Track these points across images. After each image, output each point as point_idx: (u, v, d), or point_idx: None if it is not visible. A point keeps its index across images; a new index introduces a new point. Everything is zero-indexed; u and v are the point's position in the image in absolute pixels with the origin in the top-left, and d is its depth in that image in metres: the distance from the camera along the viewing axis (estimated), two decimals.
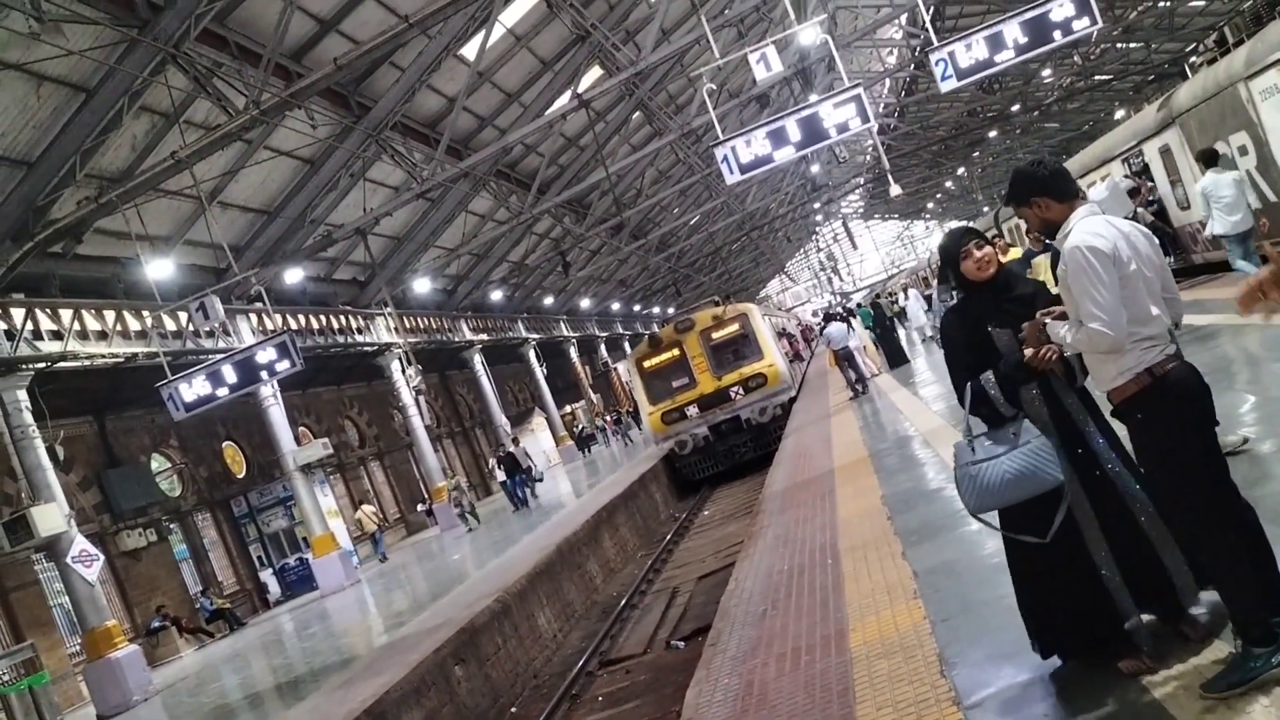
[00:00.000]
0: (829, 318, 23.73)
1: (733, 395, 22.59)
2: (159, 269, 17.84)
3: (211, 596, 22.67)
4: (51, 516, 15.30)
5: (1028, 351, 3.74)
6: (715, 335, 23.20)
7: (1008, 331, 3.84)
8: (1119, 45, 39.80)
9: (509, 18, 22.16)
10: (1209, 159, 11.80)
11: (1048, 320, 3.68)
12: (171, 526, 23.22)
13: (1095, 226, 3.49)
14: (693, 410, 22.68)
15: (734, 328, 23.23)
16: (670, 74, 29.07)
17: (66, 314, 17.07)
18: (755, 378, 22.63)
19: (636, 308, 57.50)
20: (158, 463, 23.70)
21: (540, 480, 28.74)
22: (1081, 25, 13.92)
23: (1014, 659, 4.33)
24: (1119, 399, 3.52)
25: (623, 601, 13.84)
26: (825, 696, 4.74)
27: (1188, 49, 37.36)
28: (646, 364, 23.58)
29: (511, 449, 27.37)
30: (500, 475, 26.50)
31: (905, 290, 36.29)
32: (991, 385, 3.83)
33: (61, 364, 16.64)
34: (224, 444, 25.86)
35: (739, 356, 23.08)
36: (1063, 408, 3.82)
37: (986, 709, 4.01)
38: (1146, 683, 3.60)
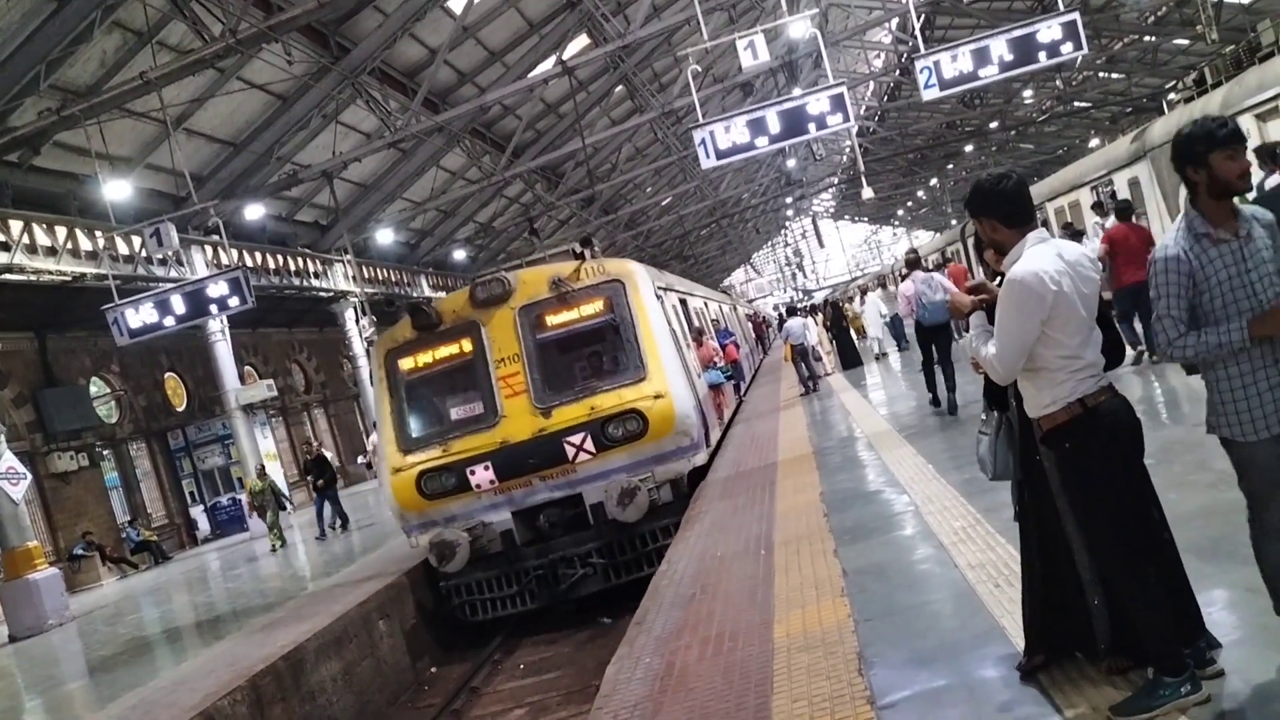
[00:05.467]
0: (790, 311, 23.75)
1: (569, 450, 10.50)
2: (116, 190, 17.43)
3: (139, 527, 22.34)
4: None
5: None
6: (551, 319, 11.10)
7: None
8: (1101, 74, 40.17)
9: None
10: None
11: (979, 311, 3.70)
12: (105, 453, 22.82)
13: (1042, 261, 3.44)
14: (483, 474, 10.55)
15: (593, 308, 11.09)
16: (657, 51, 28.89)
17: (16, 226, 16.65)
18: (622, 418, 10.53)
19: None
20: (96, 387, 23.26)
21: None
22: (1067, 49, 14.07)
23: (931, 664, 4.38)
24: (1048, 426, 3.54)
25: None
26: (744, 684, 4.76)
27: (1167, 85, 37.81)
28: (403, 363, 11.30)
29: (321, 450, 20.35)
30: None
31: (862, 294, 30.21)
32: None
33: (6, 276, 16.24)
34: (166, 375, 25.43)
35: (596, 370, 11.21)
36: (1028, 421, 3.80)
37: (899, 710, 4.05)
38: (1058, 703, 3.66)
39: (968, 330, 3.80)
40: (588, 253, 11.83)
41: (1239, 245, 3.27)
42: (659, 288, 12.19)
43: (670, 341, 11.26)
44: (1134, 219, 12.49)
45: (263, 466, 19.94)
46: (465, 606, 10.90)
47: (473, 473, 10.52)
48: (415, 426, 11.18)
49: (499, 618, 10.91)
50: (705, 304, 21.88)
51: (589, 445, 10.49)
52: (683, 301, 15.64)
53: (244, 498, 21.39)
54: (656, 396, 10.55)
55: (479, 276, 11.64)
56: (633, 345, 10.89)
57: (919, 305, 12.63)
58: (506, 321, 11.04)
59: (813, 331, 21.31)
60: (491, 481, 10.54)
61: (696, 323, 16.86)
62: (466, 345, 11.10)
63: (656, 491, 10.53)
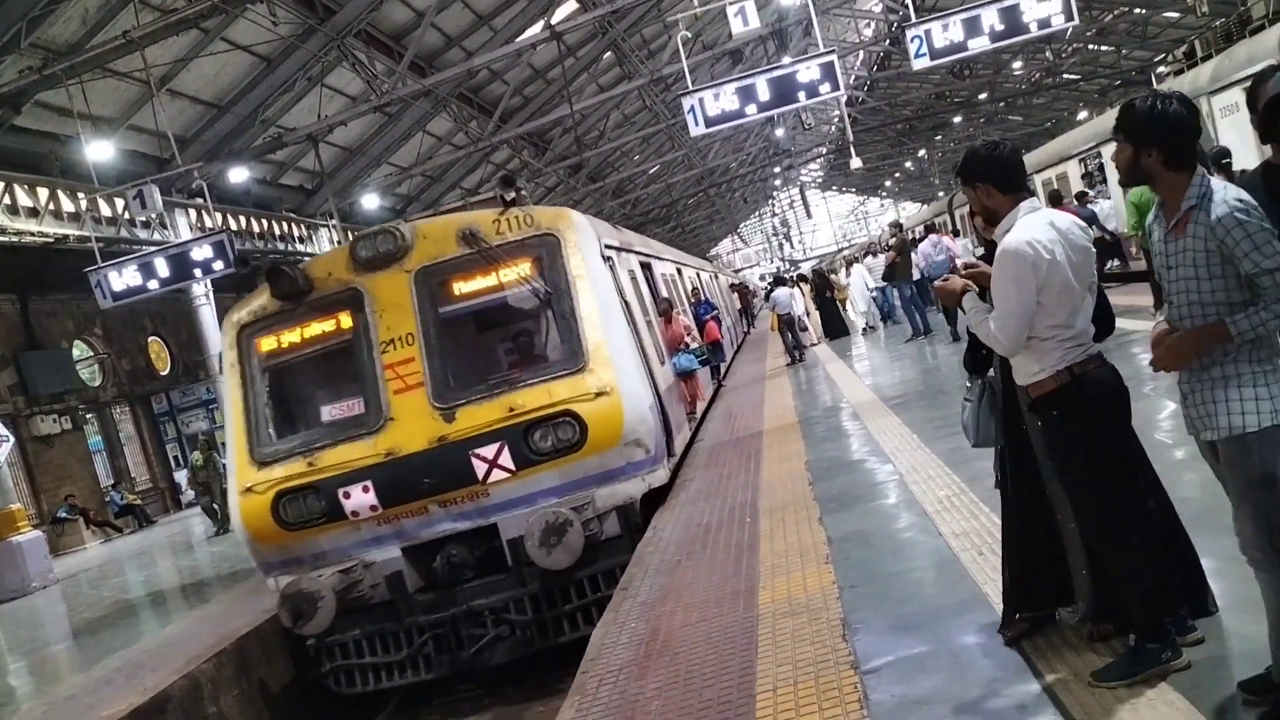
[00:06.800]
0: (778, 281, 23.69)
1: (478, 466, 7.91)
2: (99, 150, 17.22)
3: (122, 491, 22.29)
4: None
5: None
6: (459, 287, 8.55)
7: None
8: (1090, 46, 40.11)
9: None
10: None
11: (970, 292, 3.71)
12: (88, 416, 22.72)
13: (1035, 230, 3.47)
14: (361, 497, 7.94)
15: (516, 273, 8.39)
16: (646, 17, 28.61)
17: None
18: (552, 422, 7.95)
19: None
20: (79, 350, 23.11)
21: None
22: (1057, 21, 14.06)
23: (915, 630, 4.43)
24: (1037, 394, 3.56)
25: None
26: (728, 649, 4.80)
27: (1157, 58, 37.79)
28: (260, 344, 8.69)
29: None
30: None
31: (848, 265, 27.43)
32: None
33: None
34: (150, 339, 25.27)
35: (520, 357, 8.97)
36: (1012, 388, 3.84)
37: (882, 675, 4.10)
38: (1039, 669, 3.71)
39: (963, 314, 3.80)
40: (512, 197, 8.79)
41: (1167, 236, 3.08)
42: (608, 246, 9.52)
43: (621, 318, 8.66)
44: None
45: (206, 440, 19.34)
46: (337, 674, 8.08)
47: (347, 495, 7.87)
48: (273, 430, 8.44)
49: (383, 690, 8.10)
50: (679, 270, 18.86)
51: (506, 460, 7.82)
52: (646, 266, 13.07)
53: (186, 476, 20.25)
54: (599, 394, 7.88)
55: (370, 233, 8.71)
56: (569, 323, 8.17)
57: (929, 263, 16.62)
58: (399, 289, 8.34)
59: (799, 302, 21.33)
60: (373, 507, 7.87)
61: (665, 293, 14.41)
62: (344, 320, 8.44)
63: (598, 524, 7.82)
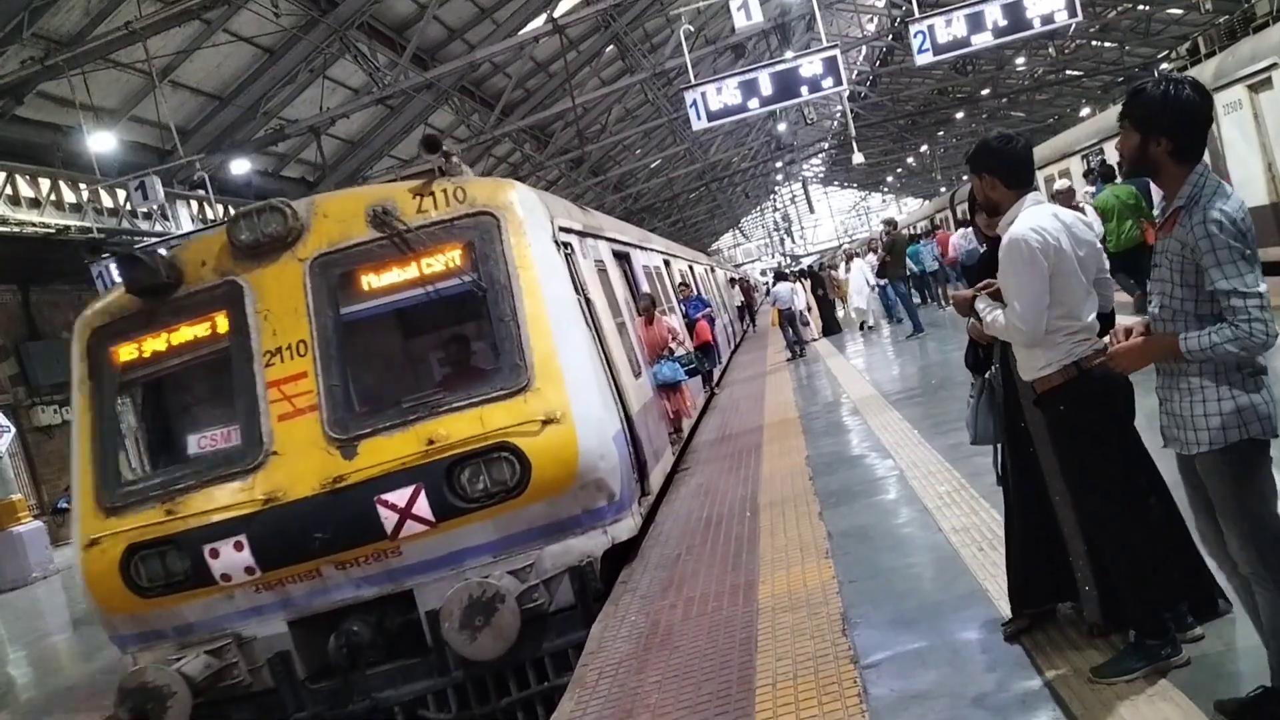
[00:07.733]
0: (779, 277, 23.65)
1: (387, 517, 5.93)
2: (101, 142, 17.23)
3: None
4: None
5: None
6: (367, 281, 6.52)
7: None
8: (1094, 43, 40.08)
9: None
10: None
11: (981, 294, 3.72)
12: None
13: (1040, 219, 3.46)
14: (232, 556, 5.99)
15: (441, 262, 6.40)
16: (649, 11, 28.63)
17: None
18: (485, 459, 5.98)
19: None
20: None
21: None
22: (1061, 17, 14.11)
23: (914, 626, 4.43)
24: (1043, 389, 3.56)
25: None
26: (728, 642, 4.81)
27: (1160, 55, 37.76)
28: (117, 353, 6.68)
29: None
30: None
31: (848, 260, 25.75)
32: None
33: None
34: None
35: (445, 373, 7.32)
36: (1013, 385, 3.85)
37: (881, 670, 4.10)
38: (1039, 665, 3.71)
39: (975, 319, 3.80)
40: (434, 161, 6.76)
41: (1158, 233, 2.99)
42: (565, 229, 7.54)
43: (579, 321, 6.79)
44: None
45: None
46: None
47: (214, 553, 6.02)
48: (127, 466, 6.69)
49: None
50: (666, 262, 16.41)
51: (423, 508, 5.95)
52: (622, 256, 11.11)
53: None
54: (547, 421, 6.00)
55: (252, 210, 6.62)
56: (508, 329, 6.28)
57: (961, 252, 18.00)
58: (289, 283, 6.47)
59: (800, 297, 21.31)
60: (249, 569, 6.02)
61: (647, 287, 12.32)
62: (220, 324, 6.53)
63: (544, 591, 5.98)
